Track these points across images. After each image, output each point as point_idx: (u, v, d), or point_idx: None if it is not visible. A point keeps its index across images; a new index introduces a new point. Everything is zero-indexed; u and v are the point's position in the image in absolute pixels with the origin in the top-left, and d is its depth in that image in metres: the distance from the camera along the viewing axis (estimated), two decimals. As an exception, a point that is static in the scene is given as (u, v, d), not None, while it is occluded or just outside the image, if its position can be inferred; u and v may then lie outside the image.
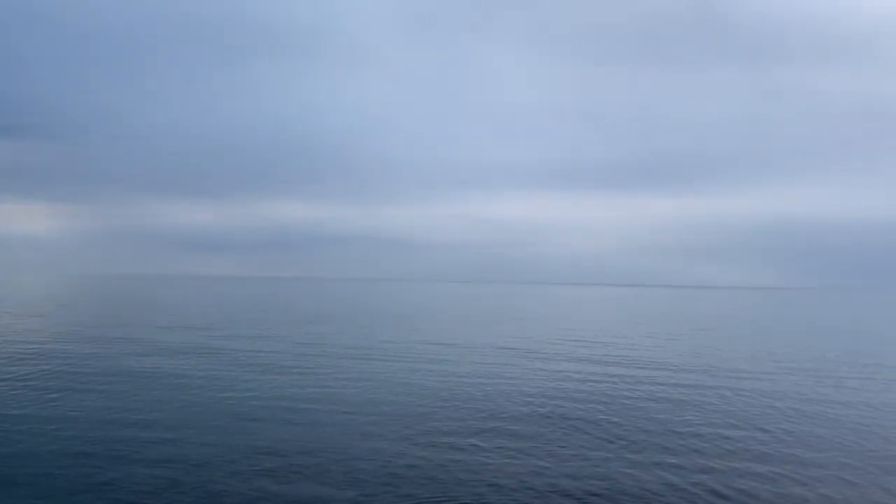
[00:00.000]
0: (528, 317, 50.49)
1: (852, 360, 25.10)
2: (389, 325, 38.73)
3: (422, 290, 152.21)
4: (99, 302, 60.14)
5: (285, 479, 9.45)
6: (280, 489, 9.07)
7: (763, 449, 11.54)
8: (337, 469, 9.98)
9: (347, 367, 20.41)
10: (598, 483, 9.54)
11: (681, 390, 17.32)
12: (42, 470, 9.68)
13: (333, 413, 13.78)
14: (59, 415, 13.12)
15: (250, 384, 16.94)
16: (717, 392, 17.15)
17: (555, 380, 18.67)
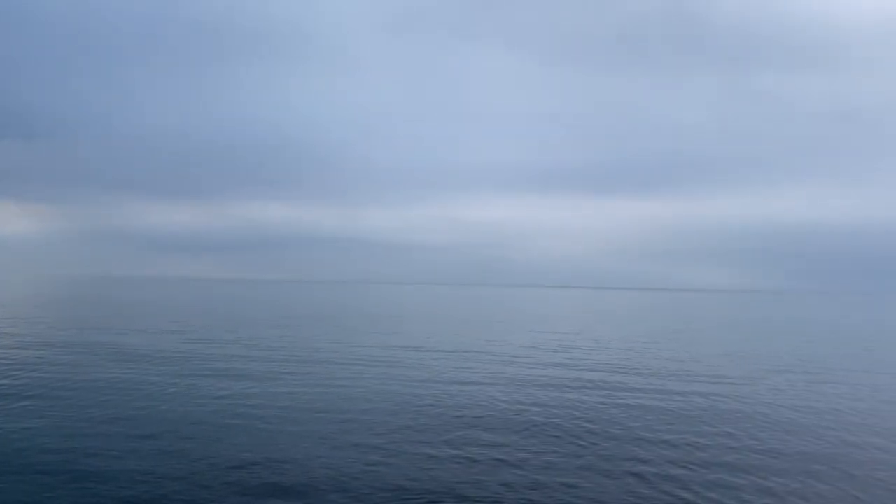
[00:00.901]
0: (505, 319, 50.48)
1: (822, 364, 25.36)
2: (363, 328, 38.52)
3: (402, 292, 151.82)
4: (71, 304, 59.24)
5: (244, 487, 9.29)
6: (236, 499, 8.91)
7: (726, 454, 11.57)
8: (295, 474, 9.83)
9: (315, 372, 20.21)
10: (561, 490, 9.50)
11: (651, 395, 17.36)
12: (-9, 479, 9.45)
13: (296, 419, 13.62)
14: (16, 425, 12.83)
15: (214, 390, 16.70)
16: (687, 397, 17.22)
17: (523, 384, 18.64)
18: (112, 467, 10.04)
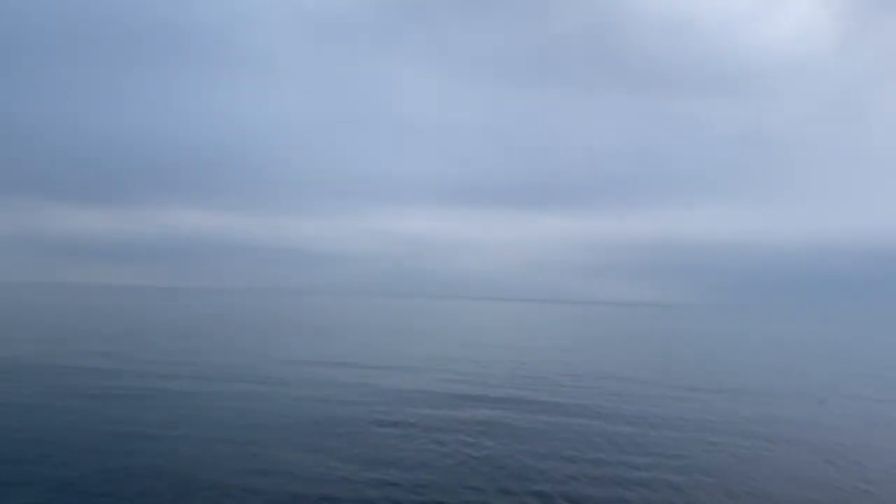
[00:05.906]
0: (410, 331, 50.59)
1: (711, 378, 26.66)
2: (267, 340, 37.84)
3: (323, 302, 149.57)
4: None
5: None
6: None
7: (598, 471, 12.13)
8: (169, 495, 9.72)
9: (197, 389, 19.56)
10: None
11: (521, 412, 17.89)
12: None
13: (170, 439, 13.37)
14: None
15: (82, 408, 16.14)
16: (567, 418, 17.83)
17: (412, 400, 18.85)
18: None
